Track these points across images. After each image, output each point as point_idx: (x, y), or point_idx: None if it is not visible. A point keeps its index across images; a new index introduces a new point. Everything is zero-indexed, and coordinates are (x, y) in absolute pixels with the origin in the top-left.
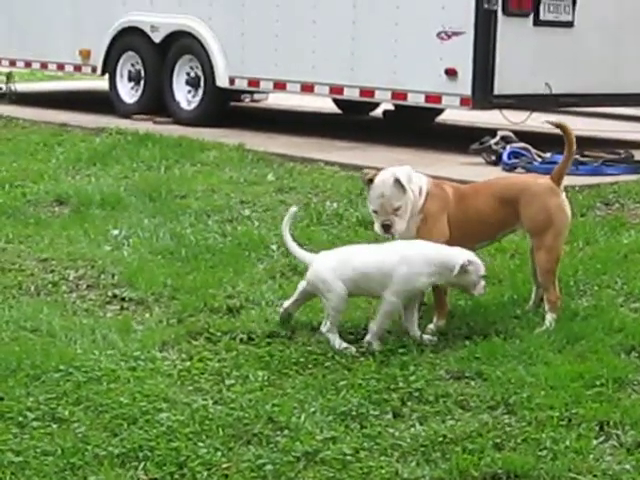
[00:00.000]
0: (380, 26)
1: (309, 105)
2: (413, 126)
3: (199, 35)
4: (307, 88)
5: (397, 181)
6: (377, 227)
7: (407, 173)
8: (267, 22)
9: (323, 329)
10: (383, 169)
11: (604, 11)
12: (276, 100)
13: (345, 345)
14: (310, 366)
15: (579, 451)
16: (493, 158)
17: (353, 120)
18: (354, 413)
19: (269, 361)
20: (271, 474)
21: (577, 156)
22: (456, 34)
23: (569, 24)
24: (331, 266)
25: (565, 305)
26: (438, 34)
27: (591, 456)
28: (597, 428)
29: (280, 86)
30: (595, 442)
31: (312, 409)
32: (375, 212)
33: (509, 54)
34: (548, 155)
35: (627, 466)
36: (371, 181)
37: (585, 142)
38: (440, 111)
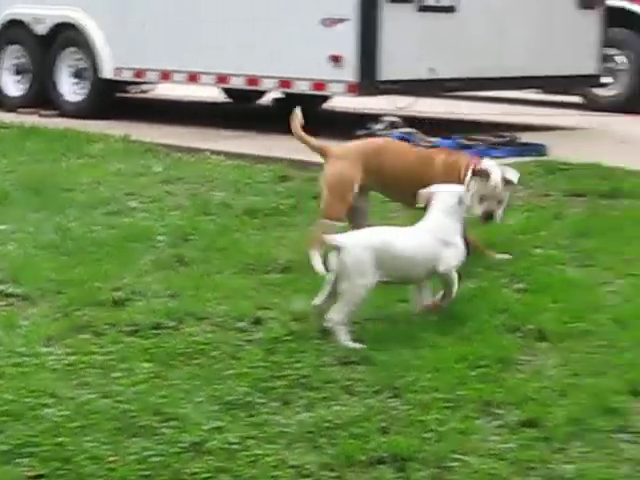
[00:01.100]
0: (265, 14)
1: (199, 95)
2: (302, 113)
3: (83, 27)
4: (193, 78)
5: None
6: (479, 212)
7: (516, 174)
8: (151, 13)
9: (334, 318)
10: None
11: None
12: (165, 90)
13: (353, 344)
14: (196, 356)
15: (464, 432)
16: None
17: (241, 109)
18: (241, 402)
19: (155, 353)
20: (158, 465)
21: (463, 140)
22: (340, 21)
23: (452, 9)
24: (372, 248)
25: None
26: (322, 21)
27: (476, 436)
28: (482, 408)
29: (166, 76)
30: (480, 422)
31: (198, 399)
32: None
33: (393, 40)
34: (434, 139)
35: (511, 445)
36: (480, 172)
37: (471, 126)
38: (327, 98)
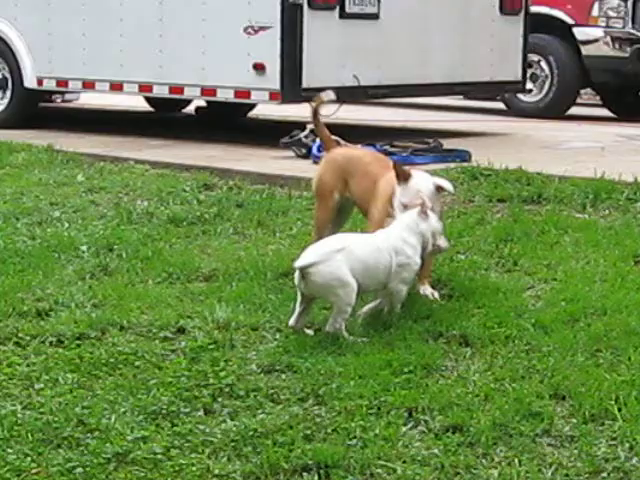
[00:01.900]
0: (187, 22)
1: (122, 104)
2: (225, 122)
3: (4, 36)
4: (116, 87)
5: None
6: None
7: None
8: (73, 21)
9: (331, 330)
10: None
11: (409, 2)
12: (89, 99)
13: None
14: (120, 366)
15: (388, 438)
16: (303, 151)
17: (165, 118)
18: (165, 412)
19: (79, 363)
20: (81, 477)
21: (387, 146)
22: (263, 29)
23: (375, 16)
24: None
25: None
26: (245, 29)
27: (400, 442)
28: (406, 414)
29: (89, 85)
30: (404, 429)
31: (122, 409)
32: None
33: (316, 47)
34: (358, 147)
35: (435, 450)
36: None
37: (395, 133)
38: (252, 106)
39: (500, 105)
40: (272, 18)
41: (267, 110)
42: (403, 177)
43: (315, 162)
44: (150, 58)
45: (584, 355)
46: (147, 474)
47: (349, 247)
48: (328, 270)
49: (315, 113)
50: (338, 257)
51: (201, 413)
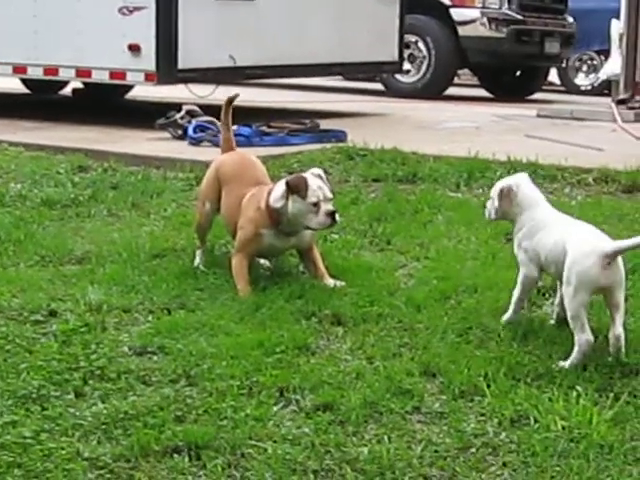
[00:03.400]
0: (62, 3)
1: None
2: (103, 103)
3: None
4: None
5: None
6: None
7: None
8: None
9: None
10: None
11: None
12: None
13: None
14: None
15: (259, 418)
16: (179, 132)
17: (41, 100)
18: (34, 395)
19: None
20: None
21: (263, 127)
22: (138, 9)
23: None
24: None
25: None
26: (120, 9)
27: (271, 422)
28: (277, 394)
29: None
30: (275, 408)
31: None
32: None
33: (192, 28)
34: (234, 128)
35: (306, 429)
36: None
37: (273, 113)
38: (130, 87)
39: (379, 86)
40: None
41: (144, 92)
42: (300, 187)
43: (191, 143)
44: (24, 39)
45: (455, 332)
46: (16, 458)
47: None
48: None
49: (226, 111)
50: None
51: (72, 396)
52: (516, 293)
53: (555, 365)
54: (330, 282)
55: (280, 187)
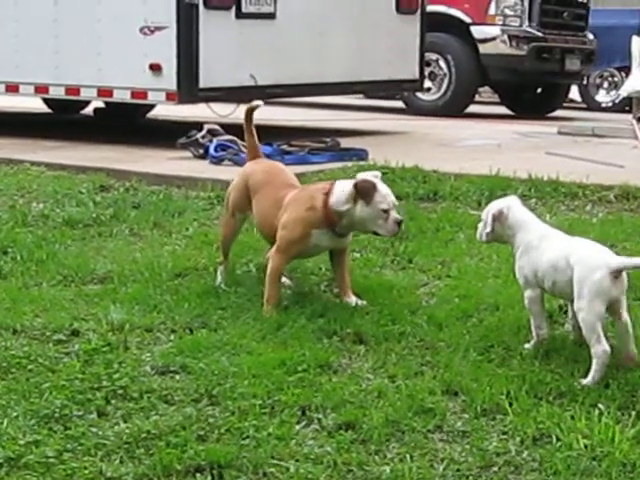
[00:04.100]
0: (82, 23)
1: (19, 105)
2: (124, 123)
3: None
4: (12, 88)
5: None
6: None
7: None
8: None
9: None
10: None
11: (306, 2)
12: None
13: None
14: (13, 370)
15: (281, 437)
16: (201, 152)
17: (62, 119)
18: (57, 415)
19: None
20: None
21: (284, 146)
22: (159, 29)
23: (271, 15)
24: None
25: None
26: (141, 29)
27: (293, 441)
28: (299, 413)
29: None
30: (297, 427)
31: (14, 414)
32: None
33: (213, 47)
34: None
35: (328, 448)
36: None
37: (294, 132)
38: (151, 107)
39: (400, 104)
40: (168, 18)
41: (166, 111)
42: (368, 192)
43: (212, 162)
44: (46, 59)
45: (477, 351)
46: (39, 478)
47: None
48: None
49: (248, 119)
50: None
51: (94, 416)
52: (531, 320)
53: (577, 383)
54: (352, 300)
55: (346, 189)
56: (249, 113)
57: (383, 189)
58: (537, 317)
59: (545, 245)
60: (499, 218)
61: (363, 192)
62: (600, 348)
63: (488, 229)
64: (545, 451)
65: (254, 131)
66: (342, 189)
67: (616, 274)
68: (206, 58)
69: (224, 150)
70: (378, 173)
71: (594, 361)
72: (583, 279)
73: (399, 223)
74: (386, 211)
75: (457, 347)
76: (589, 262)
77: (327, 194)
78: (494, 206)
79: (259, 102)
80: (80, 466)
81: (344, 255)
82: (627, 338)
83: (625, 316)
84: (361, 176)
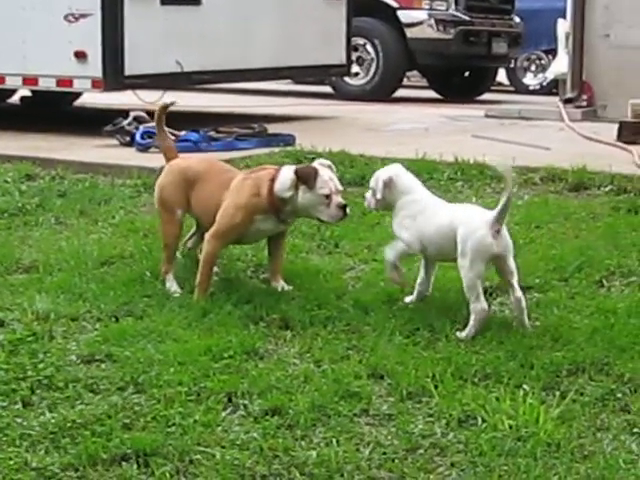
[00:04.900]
0: (6, 10)
1: None
2: (51, 111)
3: None
4: None
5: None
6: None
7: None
8: None
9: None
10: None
11: None
12: None
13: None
14: None
15: (207, 424)
16: (127, 139)
17: None
18: None
19: None
20: None
21: (211, 132)
22: (83, 16)
23: (196, 2)
24: None
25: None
26: (66, 17)
27: (219, 428)
28: (225, 400)
29: None
30: (223, 414)
31: None
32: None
33: (138, 34)
34: (182, 133)
35: (254, 434)
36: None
37: (221, 118)
38: (78, 95)
39: (328, 89)
40: (92, 5)
41: (93, 99)
42: (309, 176)
43: (139, 150)
44: None
45: (402, 334)
46: None
47: None
48: None
49: (160, 120)
50: None
51: (19, 406)
52: (391, 258)
53: (454, 335)
54: (278, 285)
55: (288, 176)
56: (161, 113)
57: (325, 174)
58: (398, 261)
59: (430, 212)
60: (389, 184)
61: (304, 178)
62: (479, 306)
63: (379, 195)
64: (470, 432)
65: (166, 131)
66: (286, 176)
67: (496, 229)
68: (131, 45)
69: (150, 137)
70: (329, 162)
71: (472, 317)
72: (466, 238)
73: (343, 208)
74: (328, 196)
75: (383, 331)
76: (471, 222)
77: (272, 180)
78: (383, 173)
79: (171, 101)
80: (5, 457)
81: (282, 239)
82: (520, 313)
83: (518, 292)
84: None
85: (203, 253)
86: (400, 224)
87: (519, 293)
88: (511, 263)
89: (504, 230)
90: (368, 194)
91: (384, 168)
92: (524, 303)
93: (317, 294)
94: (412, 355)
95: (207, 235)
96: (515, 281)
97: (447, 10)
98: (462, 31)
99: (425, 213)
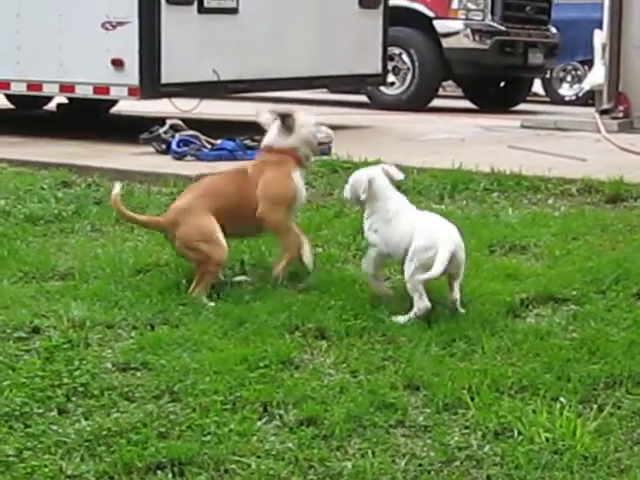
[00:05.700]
0: (45, 18)
1: None
2: (87, 118)
3: None
4: None
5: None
6: None
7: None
8: None
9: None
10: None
11: None
12: None
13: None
14: None
15: (242, 433)
16: (163, 147)
17: (25, 115)
18: (17, 413)
19: None
20: None
21: (247, 141)
22: (121, 24)
23: (233, 10)
24: None
25: (229, 291)
26: (103, 24)
27: (255, 437)
28: (261, 409)
29: None
30: (259, 423)
31: None
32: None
33: (175, 42)
34: (218, 142)
35: (290, 444)
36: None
37: (257, 127)
38: (115, 102)
39: (364, 98)
40: (130, 13)
41: (129, 106)
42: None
43: (174, 157)
44: (7, 55)
45: (438, 345)
46: None
47: None
48: None
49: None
50: None
51: (55, 413)
52: (370, 270)
53: (390, 320)
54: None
55: (274, 127)
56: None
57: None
58: (376, 271)
59: (401, 216)
60: (372, 184)
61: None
62: (422, 304)
63: (364, 197)
64: (507, 445)
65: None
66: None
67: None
68: (168, 53)
69: (186, 145)
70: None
71: (414, 309)
72: (417, 252)
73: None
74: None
75: (419, 341)
76: (426, 240)
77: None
78: (367, 173)
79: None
80: (40, 464)
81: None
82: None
83: (456, 293)
84: None
85: (273, 227)
86: (370, 228)
87: (457, 296)
88: (459, 274)
89: (458, 254)
90: (346, 188)
91: (364, 169)
92: (458, 303)
93: (353, 304)
94: (448, 366)
95: (261, 212)
96: (456, 284)
97: (483, 20)
98: (498, 41)
99: (395, 218)
